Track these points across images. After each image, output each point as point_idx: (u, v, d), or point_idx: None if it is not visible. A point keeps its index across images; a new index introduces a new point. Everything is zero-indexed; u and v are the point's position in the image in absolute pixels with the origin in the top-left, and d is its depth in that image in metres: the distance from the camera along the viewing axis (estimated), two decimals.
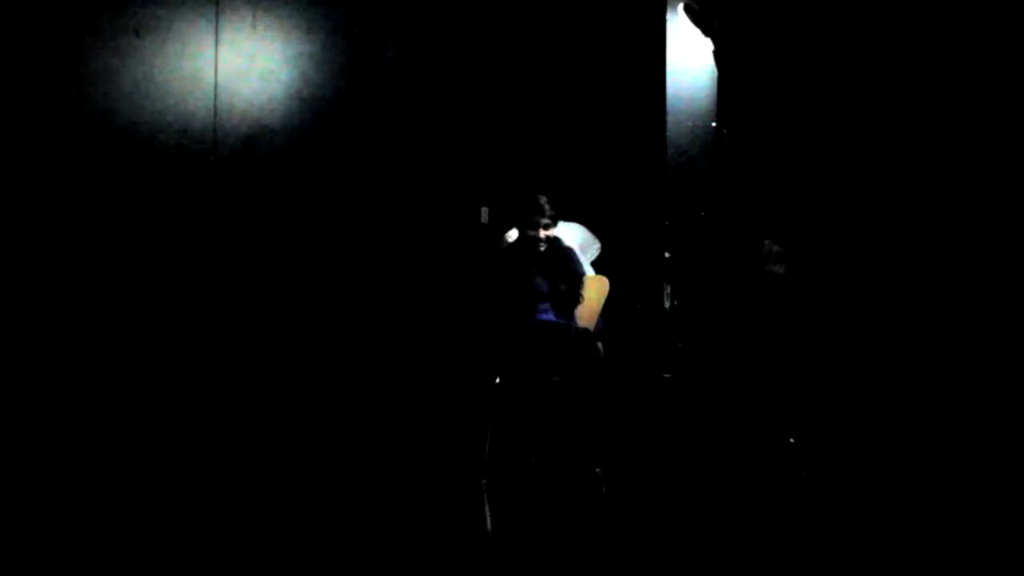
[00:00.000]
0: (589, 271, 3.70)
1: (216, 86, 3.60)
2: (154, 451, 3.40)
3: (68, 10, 3.41)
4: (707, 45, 3.76)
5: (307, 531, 2.83)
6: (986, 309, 2.83)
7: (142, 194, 3.51)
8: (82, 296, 3.44)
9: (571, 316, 3.52)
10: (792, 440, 3.30)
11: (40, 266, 3.39)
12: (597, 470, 3.20)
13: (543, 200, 3.50)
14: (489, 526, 2.83)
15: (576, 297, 3.53)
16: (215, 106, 3.60)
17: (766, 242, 3.46)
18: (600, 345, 3.53)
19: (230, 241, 3.61)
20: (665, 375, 3.82)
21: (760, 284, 3.43)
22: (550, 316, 3.45)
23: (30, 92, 3.38)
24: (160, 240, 3.53)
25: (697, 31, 3.75)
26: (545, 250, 3.51)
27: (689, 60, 3.91)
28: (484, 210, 3.80)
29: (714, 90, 3.88)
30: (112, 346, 3.46)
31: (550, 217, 3.50)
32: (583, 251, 3.71)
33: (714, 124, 3.91)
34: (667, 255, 3.91)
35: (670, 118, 3.95)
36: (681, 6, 3.79)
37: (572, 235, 3.73)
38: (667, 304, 3.89)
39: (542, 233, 3.50)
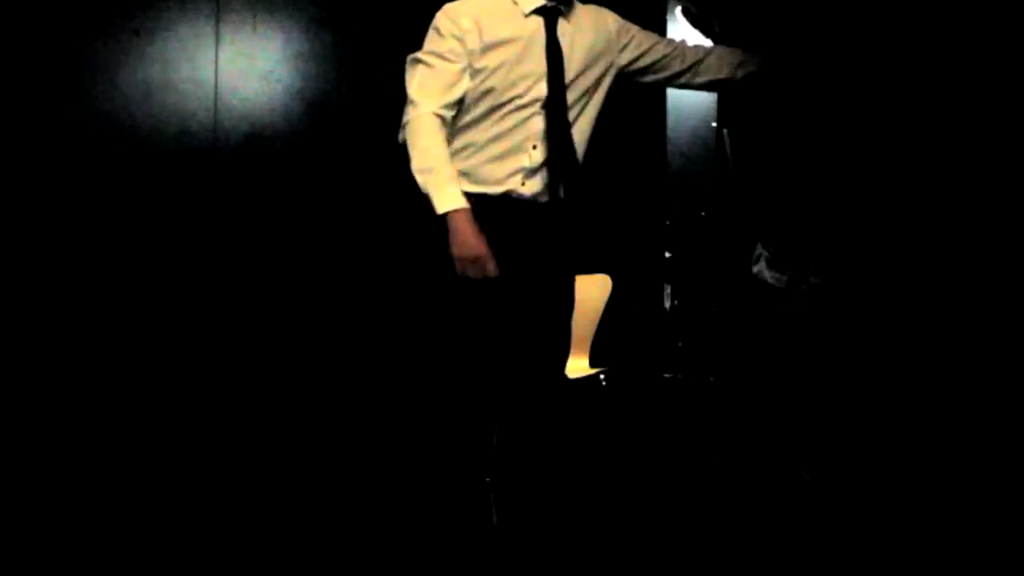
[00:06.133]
0: None
1: (216, 86, 3.60)
2: (154, 450, 3.40)
3: (68, 10, 3.41)
4: (707, 45, 3.76)
5: (307, 528, 2.84)
6: (986, 311, 2.84)
7: (142, 194, 3.51)
8: (82, 295, 3.43)
9: None
10: (792, 442, 3.30)
11: (40, 265, 3.39)
12: (487, 479, 2.87)
13: None
14: (494, 522, 2.83)
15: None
16: (215, 106, 3.60)
17: (757, 245, 3.46)
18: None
19: (230, 241, 3.61)
20: (665, 375, 3.83)
21: (750, 287, 3.43)
22: None
23: (30, 93, 3.38)
24: (160, 240, 3.52)
25: (697, 32, 3.75)
26: None
27: None
28: None
29: None
30: (113, 345, 3.46)
31: None
32: None
33: (714, 124, 3.91)
34: (667, 255, 3.92)
35: (670, 118, 3.96)
36: (679, 9, 3.79)
37: None
38: (667, 304, 3.90)
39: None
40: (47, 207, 3.40)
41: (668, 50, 2.70)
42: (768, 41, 3.03)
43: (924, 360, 2.93)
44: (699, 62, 2.72)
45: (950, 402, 2.91)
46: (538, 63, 2.45)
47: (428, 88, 2.41)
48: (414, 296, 3.70)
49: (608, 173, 4.02)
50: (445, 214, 2.31)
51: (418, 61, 2.46)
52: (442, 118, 2.41)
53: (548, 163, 2.46)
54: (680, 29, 3.88)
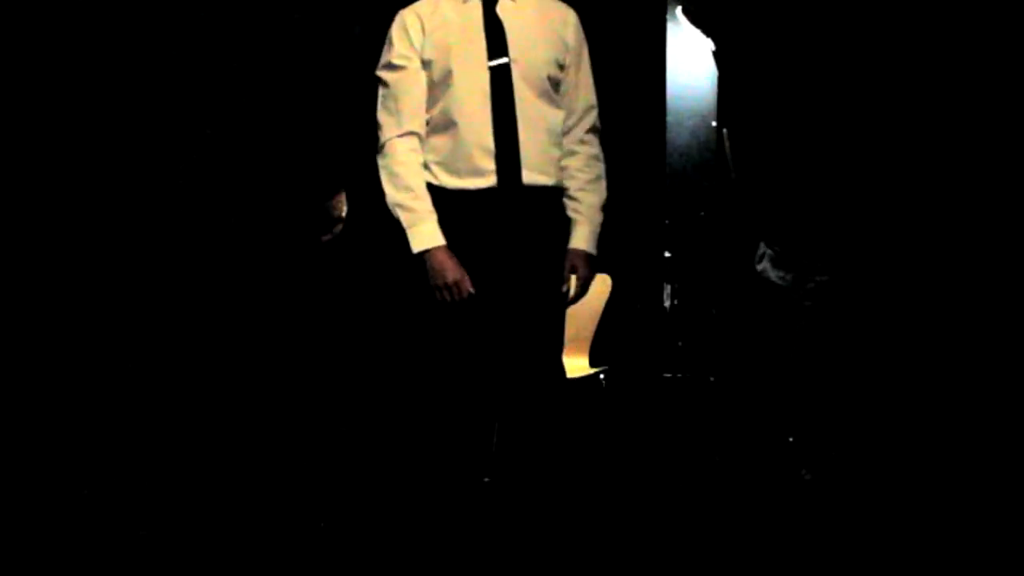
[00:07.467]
0: None
1: None
2: (150, 451, 3.40)
3: (69, 11, 3.41)
4: (707, 45, 3.77)
5: (306, 531, 2.84)
6: (991, 310, 2.84)
7: (142, 194, 3.51)
8: (81, 296, 3.43)
9: None
10: (791, 439, 3.31)
11: (39, 264, 3.39)
12: (485, 479, 2.83)
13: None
14: (493, 525, 2.83)
15: None
16: None
17: (761, 244, 3.47)
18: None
19: (231, 241, 3.61)
20: (665, 375, 3.83)
21: (753, 285, 3.44)
22: None
23: (30, 93, 3.38)
24: (160, 240, 3.53)
25: (697, 31, 3.75)
26: None
27: (689, 60, 3.92)
28: None
29: (714, 90, 3.89)
30: (114, 346, 3.46)
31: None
32: None
33: (714, 124, 3.91)
34: (667, 255, 3.92)
35: (670, 118, 3.96)
36: (679, 9, 3.79)
37: None
38: (667, 304, 3.90)
39: None
40: (46, 207, 3.40)
41: (568, 119, 2.53)
42: (768, 39, 3.04)
43: (929, 359, 2.93)
44: (571, 153, 2.56)
45: (954, 401, 2.91)
46: (479, 41, 2.40)
47: (388, 108, 2.44)
48: (413, 297, 3.69)
49: (607, 172, 4.02)
50: (420, 253, 2.40)
51: (378, 81, 2.47)
52: (409, 134, 2.42)
53: (496, 145, 2.39)
54: (679, 27, 3.88)
